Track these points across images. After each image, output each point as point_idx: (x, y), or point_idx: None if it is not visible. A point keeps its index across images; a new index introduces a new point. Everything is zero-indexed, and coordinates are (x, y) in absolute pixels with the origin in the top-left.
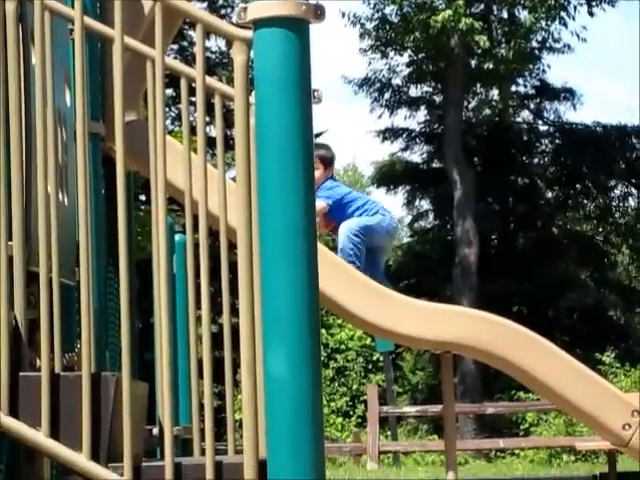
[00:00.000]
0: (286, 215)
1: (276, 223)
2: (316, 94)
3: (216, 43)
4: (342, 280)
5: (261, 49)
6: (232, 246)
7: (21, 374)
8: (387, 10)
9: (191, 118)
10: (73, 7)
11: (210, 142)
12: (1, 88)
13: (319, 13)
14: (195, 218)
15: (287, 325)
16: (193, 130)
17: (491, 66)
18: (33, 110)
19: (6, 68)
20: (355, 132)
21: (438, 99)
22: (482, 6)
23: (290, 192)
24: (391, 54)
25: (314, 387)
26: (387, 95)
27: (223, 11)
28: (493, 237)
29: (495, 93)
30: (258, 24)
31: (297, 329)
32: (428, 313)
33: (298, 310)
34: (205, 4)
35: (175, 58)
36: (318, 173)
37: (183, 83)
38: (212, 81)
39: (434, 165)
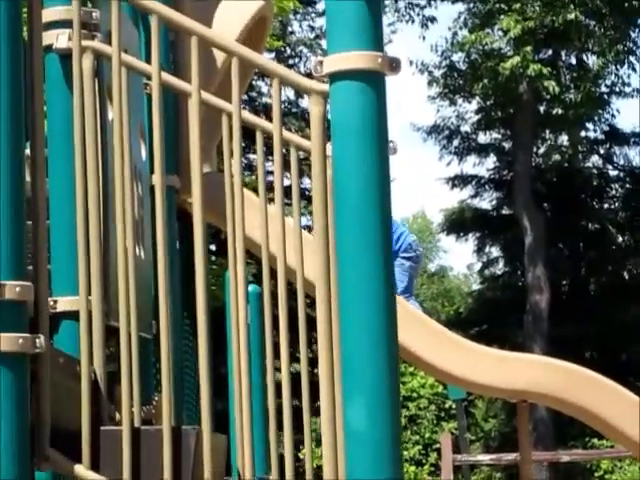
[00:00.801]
0: (364, 267)
1: (355, 275)
2: (392, 145)
3: (285, 93)
4: (416, 328)
5: (338, 102)
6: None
7: (102, 428)
8: (455, 57)
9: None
10: (148, 62)
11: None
12: (79, 143)
13: (395, 65)
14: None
15: (366, 376)
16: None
17: (560, 111)
18: (110, 164)
19: (83, 123)
20: (424, 179)
21: (507, 145)
22: (550, 52)
23: (368, 244)
24: (459, 101)
25: (394, 438)
26: (456, 142)
27: (291, 61)
28: (564, 282)
29: (564, 138)
30: (334, 77)
31: (377, 380)
32: (503, 361)
33: (377, 361)
34: (273, 54)
35: (244, 108)
36: None
37: (259, 136)
38: (288, 134)
39: (504, 211)
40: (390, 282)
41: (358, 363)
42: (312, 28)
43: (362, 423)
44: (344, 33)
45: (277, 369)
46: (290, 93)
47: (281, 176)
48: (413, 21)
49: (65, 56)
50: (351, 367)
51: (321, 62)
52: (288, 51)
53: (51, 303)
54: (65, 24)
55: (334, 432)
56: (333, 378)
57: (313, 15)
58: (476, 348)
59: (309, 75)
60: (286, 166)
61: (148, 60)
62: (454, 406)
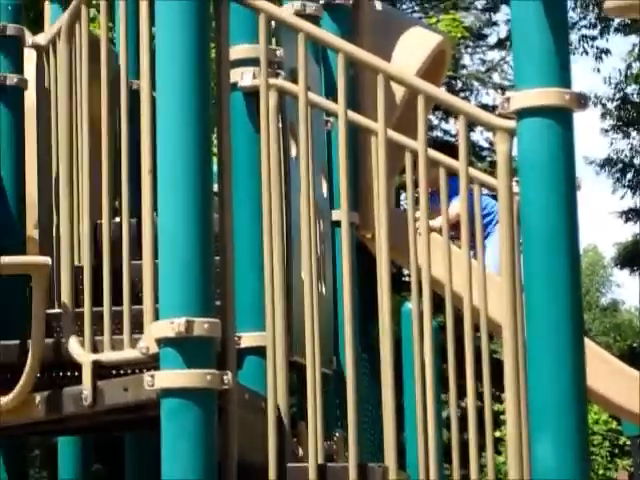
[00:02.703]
0: (554, 309)
1: (544, 317)
2: (577, 181)
3: (455, 126)
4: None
5: (526, 139)
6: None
7: (289, 465)
8: (629, 90)
9: None
10: (329, 98)
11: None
12: (266, 180)
13: (583, 102)
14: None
15: (554, 413)
16: None
17: None
18: (293, 201)
19: (268, 160)
20: (596, 213)
21: None
22: None
23: (558, 284)
24: (633, 134)
25: (581, 475)
26: (629, 175)
27: (462, 94)
28: None
29: None
30: (522, 114)
31: (565, 418)
32: None
33: (566, 401)
34: (443, 88)
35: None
36: None
37: (442, 172)
38: (473, 171)
39: None
40: (579, 319)
41: (546, 399)
42: (483, 61)
43: (550, 461)
44: (531, 69)
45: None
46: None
47: (466, 217)
48: (587, 53)
49: (249, 94)
50: (539, 403)
51: (508, 99)
52: (459, 84)
53: (235, 339)
54: (249, 62)
55: (521, 467)
56: (520, 414)
57: (484, 48)
58: None
59: (484, 108)
60: None
61: (329, 96)
62: (628, 442)
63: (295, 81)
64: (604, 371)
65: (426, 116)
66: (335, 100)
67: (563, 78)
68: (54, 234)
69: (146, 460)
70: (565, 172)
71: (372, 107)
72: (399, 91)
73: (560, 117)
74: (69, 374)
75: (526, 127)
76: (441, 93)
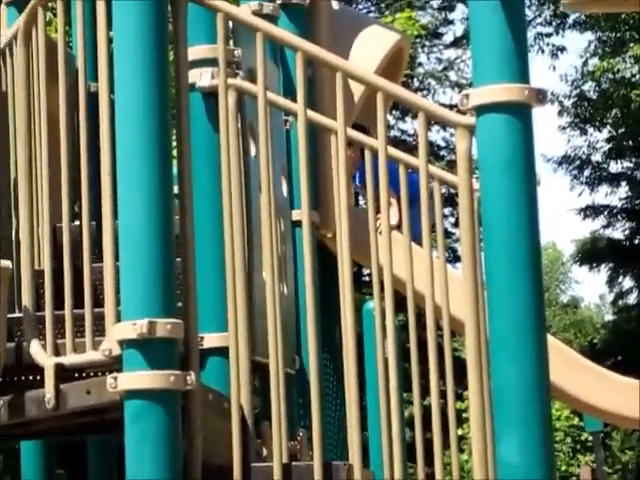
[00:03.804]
0: (515, 302)
1: (506, 310)
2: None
3: (412, 126)
4: (556, 359)
5: (485, 135)
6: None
7: (253, 465)
8: (585, 87)
9: None
10: (287, 98)
11: None
12: (227, 180)
13: (541, 97)
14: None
15: (519, 410)
16: None
17: None
18: (253, 201)
19: (228, 160)
20: (554, 210)
21: (639, 174)
22: None
23: (519, 278)
24: (590, 130)
25: (547, 473)
26: (587, 172)
27: (419, 94)
28: None
29: None
30: (481, 110)
31: (529, 413)
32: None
33: (530, 397)
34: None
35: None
36: None
37: (402, 171)
38: (433, 168)
39: (637, 241)
40: (542, 315)
41: (510, 396)
42: (440, 60)
43: (514, 457)
44: (490, 66)
45: (410, 402)
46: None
47: (427, 214)
48: (543, 51)
49: (208, 94)
50: (503, 401)
51: (467, 95)
52: (416, 83)
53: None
54: (207, 62)
55: (486, 466)
56: (484, 412)
57: (441, 47)
58: (612, 376)
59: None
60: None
61: (287, 95)
62: (590, 438)
63: (253, 81)
64: (564, 364)
65: (385, 114)
66: (293, 99)
67: (521, 74)
68: (14, 238)
69: (109, 464)
70: (525, 168)
71: (330, 106)
72: (358, 90)
73: (519, 113)
74: (31, 378)
75: (485, 123)
76: (400, 90)
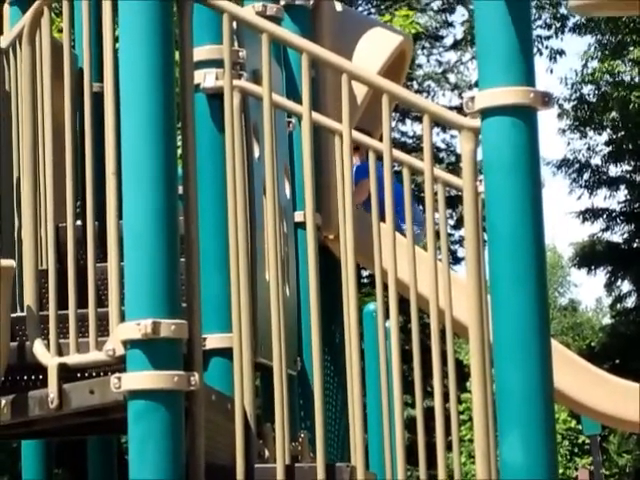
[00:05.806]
0: (519, 305)
1: (510, 313)
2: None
3: (412, 128)
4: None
5: (491, 138)
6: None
7: (256, 466)
8: (585, 90)
9: None
10: (290, 98)
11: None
12: (231, 181)
13: (547, 100)
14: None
15: (522, 409)
16: None
17: None
18: (256, 203)
19: (232, 161)
20: (554, 213)
21: (639, 177)
22: None
23: (523, 281)
24: (590, 133)
25: (550, 471)
26: (586, 175)
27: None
28: None
29: None
30: (486, 113)
31: (532, 413)
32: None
33: (534, 399)
34: None
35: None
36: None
37: (405, 173)
38: (437, 171)
39: (635, 245)
40: (546, 318)
41: (514, 400)
42: (440, 63)
43: (518, 457)
44: (496, 68)
45: (407, 404)
46: (417, 128)
47: (432, 218)
48: (541, 54)
49: (212, 95)
50: (506, 404)
51: (472, 98)
52: (415, 85)
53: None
54: (212, 63)
55: (489, 467)
56: (487, 413)
57: (440, 49)
58: (612, 379)
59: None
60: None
61: (289, 96)
62: (588, 441)
63: (257, 82)
64: (566, 368)
65: (390, 116)
66: (295, 101)
67: (527, 76)
68: (16, 237)
69: (109, 464)
70: (530, 171)
71: (333, 107)
72: (361, 93)
73: (525, 115)
74: (34, 378)
75: (491, 126)
76: (405, 92)
